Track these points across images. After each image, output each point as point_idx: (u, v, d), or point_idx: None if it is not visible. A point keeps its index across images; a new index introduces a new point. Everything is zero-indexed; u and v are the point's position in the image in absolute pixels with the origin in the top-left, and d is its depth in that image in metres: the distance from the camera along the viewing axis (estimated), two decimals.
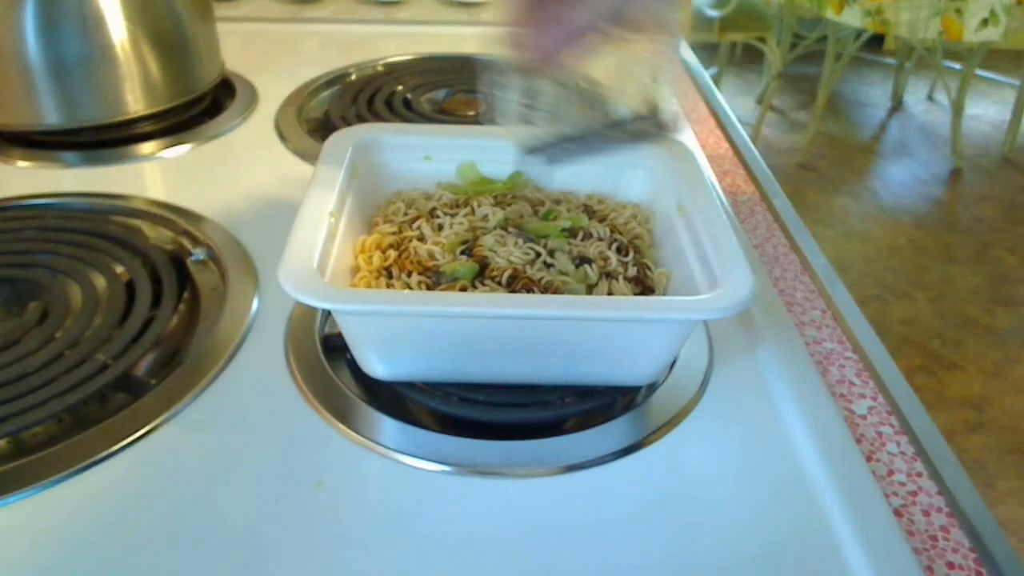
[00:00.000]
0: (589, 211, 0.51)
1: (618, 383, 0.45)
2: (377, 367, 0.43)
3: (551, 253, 0.47)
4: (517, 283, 0.44)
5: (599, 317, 0.39)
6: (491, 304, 0.39)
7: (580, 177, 0.54)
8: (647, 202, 0.52)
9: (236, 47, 0.93)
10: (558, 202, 0.52)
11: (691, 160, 0.50)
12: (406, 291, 0.43)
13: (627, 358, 0.43)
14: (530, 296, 0.42)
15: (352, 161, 0.50)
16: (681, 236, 0.47)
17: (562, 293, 0.44)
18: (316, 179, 0.46)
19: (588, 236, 0.49)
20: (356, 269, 0.46)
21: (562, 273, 0.46)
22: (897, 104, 3.40)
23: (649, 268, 0.47)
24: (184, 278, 0.54)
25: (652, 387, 0.46)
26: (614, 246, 0.48)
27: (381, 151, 0.53)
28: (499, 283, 0.44)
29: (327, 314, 0.50)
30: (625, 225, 0.50)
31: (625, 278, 0.46)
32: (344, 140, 0.51)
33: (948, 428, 1.73)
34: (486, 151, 0.53)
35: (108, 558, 0.36)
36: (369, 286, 0.45)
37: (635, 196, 0.53)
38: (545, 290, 0.44)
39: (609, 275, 0.46)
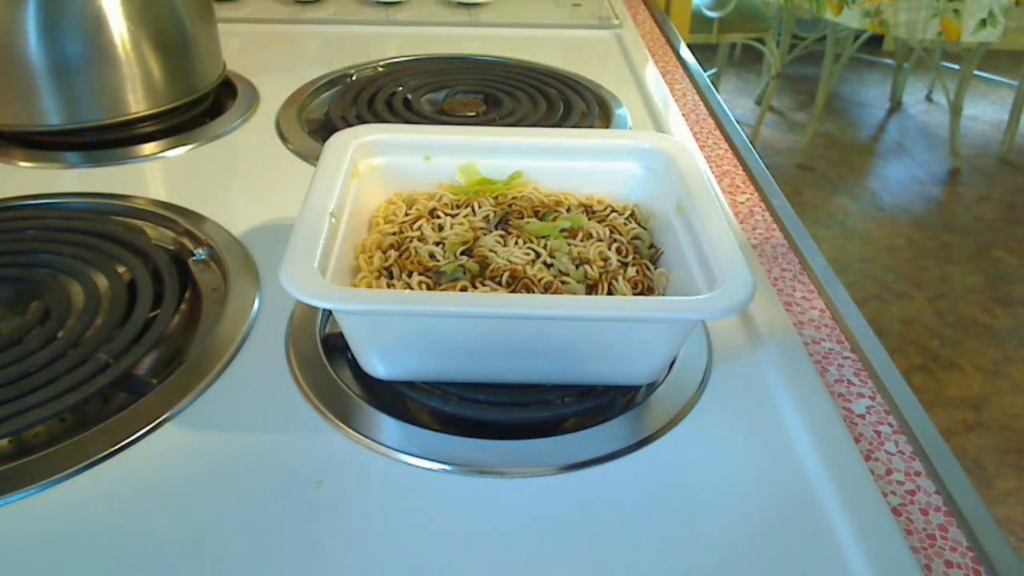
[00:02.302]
0: (588, 212, 0.51)
1: (618, 382, 0.45)
2: (378, 367, 0.43)
3: (551, 254, 0.47)
4: (517, 283, 0.44)
5: (601, 317, 0.39)
6: (492, 304, 0.39)
7: (579, 178, 0.54)
8: (646, 202, 0.53)
9: (237, 48, 0.93)
10: (558, 203, 0.52)
11: (690, 160, 0.50)
12: (407, 291, 0.43)
13: (627, 358, 0.43)
14: (531, 296, 0.42)
15: (353, 161, 0.50)
16: (680, 236, 0.47)
17: (562, 293, 0.44)
18: (317, 179, 0.47)
19: (588, 236, 0.49)
20: (357, 269, 0.46)
21: (562, 273, 0.46)
22: (896, 105, 3.40)
23: (649, 268, 0.47)
24: (185, 278, 0.54)
25: (651, 387, 0.46)
26: (614, 247, 0.48)
27: (382, 151, 0.53)
28: (499, 283, 0.45)
29: (328, 314, 0.50)
30: (625, 225, 0.50)
31: (624, 278, 0.46)
32: (345, 140, 0.51)
33: (946, 427, 1.73)
34: (486, 151, 0.53)
35: (109, 558, 0.36)
36: (370, 286, 0.45)
37: (634, 197, 0.53)
38: (545, 290, 0.44)
39: (609, 275, 0.46)
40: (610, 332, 0.41)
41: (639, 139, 0.54)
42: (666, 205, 0.50)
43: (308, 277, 0.39)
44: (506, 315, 0.39)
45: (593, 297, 0.43)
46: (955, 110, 2.86)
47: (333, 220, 0.44)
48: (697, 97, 0.90)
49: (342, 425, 0.43)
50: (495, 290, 0.44)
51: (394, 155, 0.53)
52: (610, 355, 0.43)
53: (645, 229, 0.51)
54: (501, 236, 0.48)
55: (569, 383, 0.45)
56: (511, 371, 0.44)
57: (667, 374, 0.47)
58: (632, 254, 0.48)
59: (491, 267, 0.45)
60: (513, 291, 0.44)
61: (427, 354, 0.43)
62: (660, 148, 0.52)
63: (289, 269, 0.39)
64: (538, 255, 0.47)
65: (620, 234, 0.49)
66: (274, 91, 0.82)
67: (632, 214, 0.52)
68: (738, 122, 0.83)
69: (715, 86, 0.92)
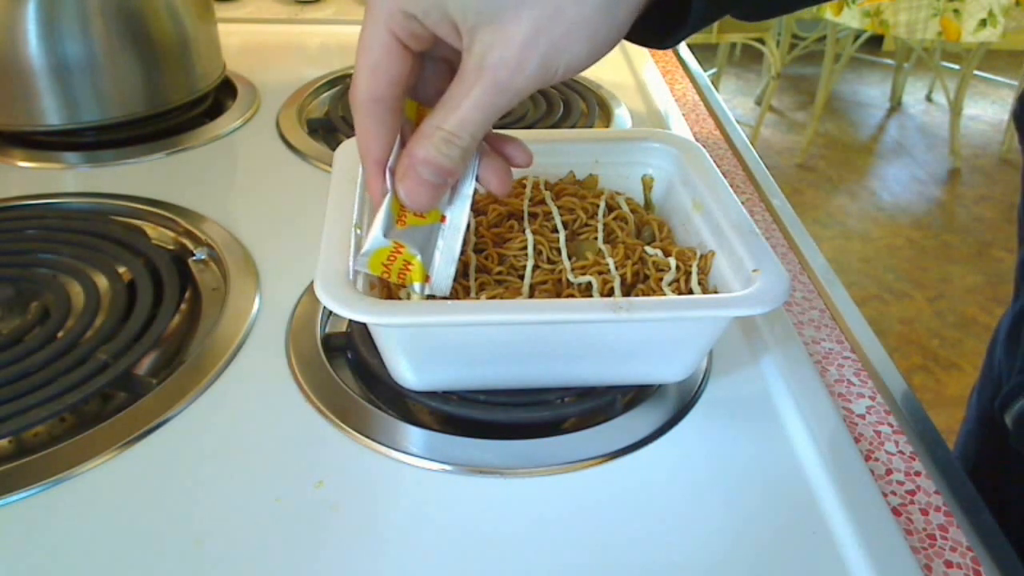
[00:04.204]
0: (609, 208, 0.51)
1: (655, 381, 0.45)
2: (410, 378, 0.43)
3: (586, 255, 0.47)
4: (560, 288, 0.44)
5: (652, 318, 0.38)
6: (538, 311, 0.38)
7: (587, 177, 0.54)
8: (660, 202, 0.52)
9: (237, 48, 0.93)
10: (582, 197, 0.51)
11: (701, 157, 0.50)
12: (447, 302, 0.43)
13: (668, 355, 0.42)
14: (581, 301, 0.41)
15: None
16: (703, 231, 0.47)
17: (592, 293, 0.44)
18: (334, 191, 0.45)
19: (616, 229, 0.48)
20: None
21: (601, 273, 0.45)
22: (896, 104, 3.40)
23: (689, 252, 0.47)
24: (185, 278, 0.54)
25: (652, 387, 0.46)
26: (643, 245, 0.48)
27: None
28: (521, 278, 0.44)
29: (328, 314, 0.50)
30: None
31: (657, 279, 0.45)
32: (354, 149, 0.51)
33: (947, 427, 1.72)
34: None
35: (109, 558, 0.36)
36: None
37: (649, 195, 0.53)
38: (584, 291, 0.44)
39: (646, 276, 0.46)
40: (656, 331, 0.41)
41: (648, 137, 0.54)
42: (683, 203, 0.50)
43: (346, 291, 0.38)
44: (553, 320, 0.38)
45: (643, 298, 0.42)
46: (955, 110, 2.86)
47: (358, 231, 0.43)
48: (697, 97, 0.90)
49: (342, 425, 0.43)
50: (508, 284, 0.44)
51: None
52: (651, 354, 0.42)
53: (666, 227, 0.51)
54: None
55: (606, 384, 0.44)
56: (547, 376, 0.44)
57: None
58: (659, 239, 0.48)
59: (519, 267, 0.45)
60: (542, 292, 0.44)
61: (463, 364, 0.42)
62: (670, 148, 0.52)
63: (326, 285, 0.38)
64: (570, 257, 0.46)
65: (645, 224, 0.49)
66: (274, 91, 0.82)
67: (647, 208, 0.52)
68: (738, 122, 0.83)
69: (715, 86, 0.92)
